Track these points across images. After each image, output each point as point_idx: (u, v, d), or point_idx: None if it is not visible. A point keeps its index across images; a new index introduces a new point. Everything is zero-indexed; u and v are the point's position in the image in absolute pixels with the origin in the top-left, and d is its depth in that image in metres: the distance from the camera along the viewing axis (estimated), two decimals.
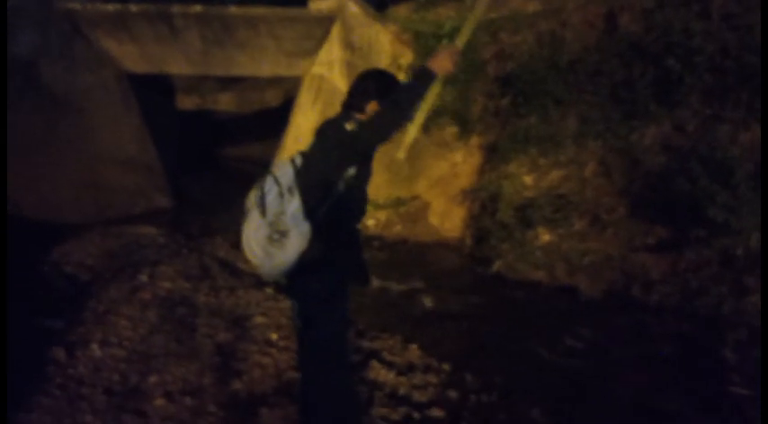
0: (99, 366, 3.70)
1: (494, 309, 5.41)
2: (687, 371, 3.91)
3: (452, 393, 3.64)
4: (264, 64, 9.74)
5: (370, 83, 2.57)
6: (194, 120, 13.06)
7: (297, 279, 2.44)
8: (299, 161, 2.48)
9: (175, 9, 8.74)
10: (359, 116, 2.49)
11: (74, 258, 6.00)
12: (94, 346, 3.96)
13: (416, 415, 3.36)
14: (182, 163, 11.41)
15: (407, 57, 8.54)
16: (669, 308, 4.86)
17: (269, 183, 2.39)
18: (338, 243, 2.47)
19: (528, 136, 7.19)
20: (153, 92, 10.62)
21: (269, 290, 5.34)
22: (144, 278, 5.43)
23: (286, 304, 4.84)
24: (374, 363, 3.96)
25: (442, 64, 2.38)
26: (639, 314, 4.86)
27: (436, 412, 3.41)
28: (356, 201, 2.53)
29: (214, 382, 3.62)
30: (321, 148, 2.50)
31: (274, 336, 4.36)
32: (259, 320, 4.66)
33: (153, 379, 3.59)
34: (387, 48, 8.79)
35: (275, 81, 13.81)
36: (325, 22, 9.02)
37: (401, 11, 9.42)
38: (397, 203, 8.34)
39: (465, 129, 8.15)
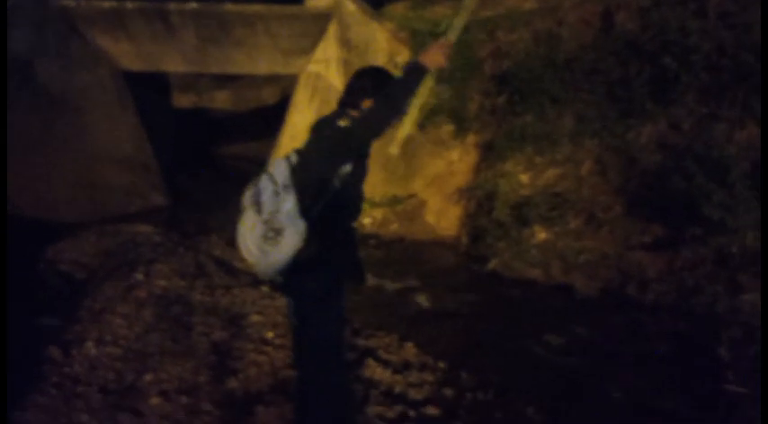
0: (94, 365, 3.70)
1: (490, 307, 5.42)
2: (683, 369, 3.92)
3: (448, 392, 3.64)
4: (261, 62, 9.72)
5: (366, 81, 2.56)
6: (190, 118, 13.08)
7: (292, 278, 2.43)
8: (294, 159, 2.47)
9: (172, 6, 8.72)
10: (353, 113, 2.48)
11: (69, 256, 5.99)
12: (90, 344, 3.95)
13: (412, 413, 3.36)
14: (178, 162, 11.39)
15: (404, 55, 8.52)
16: (665, 306, 4.87)
17: (264, 181, 2.38)
18: (334, 242, 2.46)
19: (524, 135, 7.19)
20: (149, 90, 10.60)
21: (265, 288, 5.34)
22: (140, 276, 5.42)
23: (282, 302, 4.82)
24: (370, 361, 3.96)
25: (434, 58, 2.38)
26: (635, 313, 4.87)
27: (432, 411, 3.41)
28: (352, 199, 2.53)
29: (210, 380, 3.61)
30: (316, 146, 2.49)
31: (270, 334, 4.36)
32: (255, 318, 4.66)
33: (148, 378, 3.58)
34: (383, 46, 8.79)
35: (272, 79, 13.84)
36: (322, 20, 9.01)
37: (398, 9, 9.41)
38: (394, 201, 8.34)
39: (461, 127, 8.14)
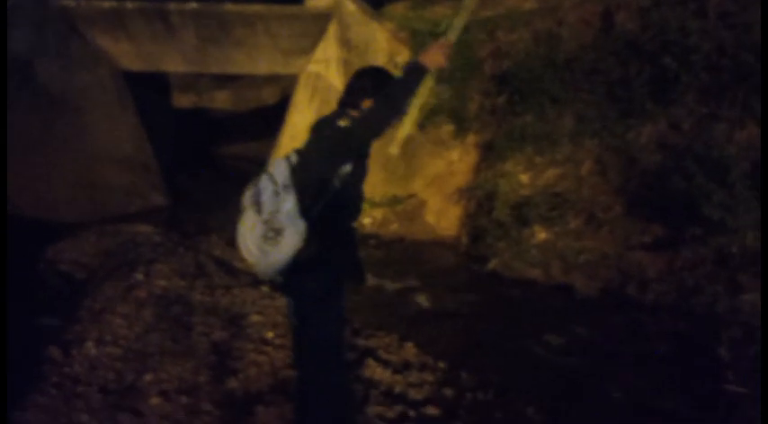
0: (94, 365, 3.70)
1: (489, 307, 5.42)
2: (683, 369, 3.92)
3: (448, 392, 3.64)
4: (261, 62, 9.72)
5: (366, 81, 2.56)
6: (190, 118, 13.07)
7: (292, 278, 2.43)
8: (294, 159, 2.47)
9: (172, 6, 8.72)
10: (353, 113, 2.48)
11: (69, 256, 5.99)
12: (90, 344, 3.95)
13: (412, 413, 3.36)
14: (178, 162, 11.39)
15: (404, 56, 8.52)
16: (665, 306, 4.86)
17: (264, 181, 2.38)
18: (334, 242, 2.46)
19: (524, 135, 7.19)
20: (149, 90, 10.60)
21: (265, 288, 5.34)
22: (139, 276, 5.42)
23: (282, 302, 4.82)
24: (370, 361, 3.96)
25: (434, 58, 2.38)
26: (635, 313, 4.87)
27: (432, 411, 3.41)
28: (352, 199, 2.53)
29: (210, 380, 3.61)
30: (316, 146, 2.49)
31: (270, 334, 4.36)
32: (255, 318, 4.66)
33: (148, 378, 3.58)
34: (383, 46, 8.78)
35: (272, 79, 13.84)
36: (322, 20, 9.01)
37: (398, 9, 9.41)
38: (394, 201, 8.34)
39: (461, 128, 8.15)
